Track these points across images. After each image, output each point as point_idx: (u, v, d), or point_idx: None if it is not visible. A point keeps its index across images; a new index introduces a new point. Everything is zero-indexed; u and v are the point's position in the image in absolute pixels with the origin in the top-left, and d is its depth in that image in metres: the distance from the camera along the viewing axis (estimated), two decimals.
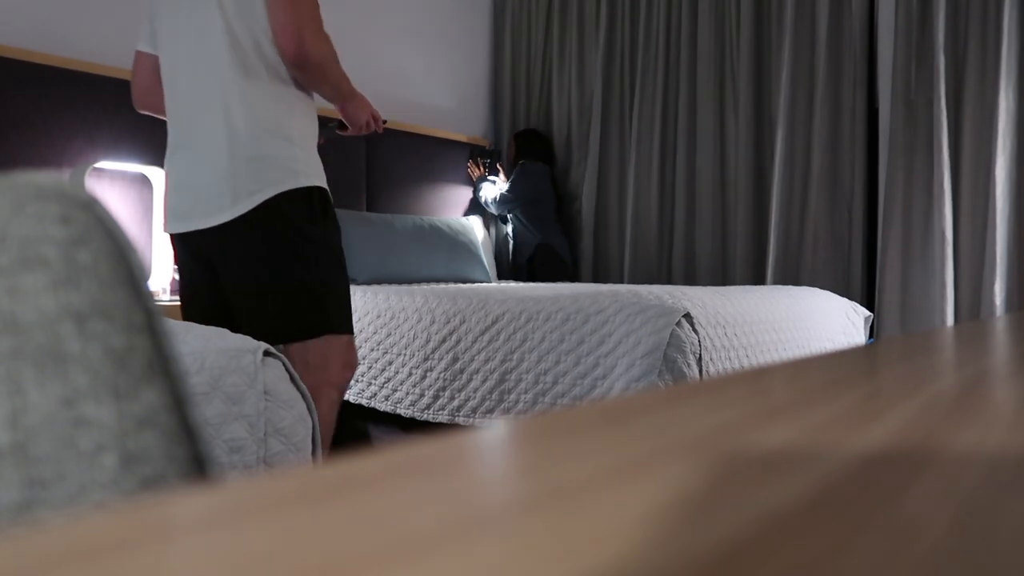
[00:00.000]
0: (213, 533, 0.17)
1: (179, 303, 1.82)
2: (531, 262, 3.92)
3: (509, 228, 4.12)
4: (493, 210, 4.03)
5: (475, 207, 4.16)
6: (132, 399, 0.40)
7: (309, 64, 1.57)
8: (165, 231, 1.75)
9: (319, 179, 1.68)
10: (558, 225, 3.98)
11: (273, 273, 1.60)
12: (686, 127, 3.80)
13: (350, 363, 1.73)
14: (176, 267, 1.79)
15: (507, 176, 4.11)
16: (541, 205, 3.89)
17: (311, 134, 1.70)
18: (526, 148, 4.02)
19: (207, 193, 1.59)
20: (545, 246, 3.85)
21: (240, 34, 1.58)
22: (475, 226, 3.81)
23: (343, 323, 1.69)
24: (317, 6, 1.59)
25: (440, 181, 3.99)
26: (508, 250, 4.17)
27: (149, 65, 1.78)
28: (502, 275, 4.30)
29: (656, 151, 3.87)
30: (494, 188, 4.03)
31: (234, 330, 1.64)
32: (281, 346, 1.67)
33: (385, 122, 1.93)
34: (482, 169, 4.09)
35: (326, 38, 1.60)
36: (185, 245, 1.69)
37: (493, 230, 4.34)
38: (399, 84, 3.89)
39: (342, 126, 1.91)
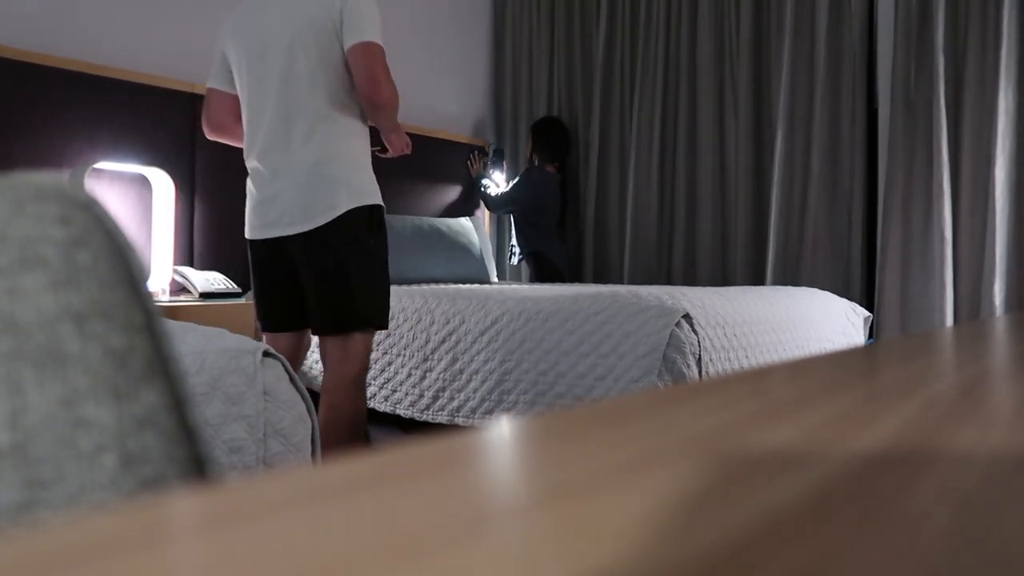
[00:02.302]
0: (213, 534, 0.17)
1: (253, 295, 2.15)
2: (521, 265, 3.92)
3: (510, 228, 4.11)
4: (491, 208, 4.01)
5: (475, 208, 4.16)
6: (132, 399, 0.40)
7: (385, 106, 1.94)
8: (249, 236, 2.07)
9: (377, 197, 2.07)
10: (557, 232, 3.92)
11: (338, 274, 1.95)
12: (686, 128, 3.80)
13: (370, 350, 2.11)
14: (253, 266, 2.10)
15: (508, 177, 4.10)
16: (541, 213, 3.82)
17: (368, 159, 2.08)
18: (542, 141, 3.94)
19: (293, 207, 1.96)
20: (537, 253, 3.83)
21: (320, 81, 1.94)
22: (474, 226, 3.81)
23: (384, 320, 2.04)
24: (385, 56, 1.97)
25: (440, 182, 3.99)
26: (506, 249, 4.17)
27: (225, 104, 2.10)
28: (502, 276, 4.30)
29: (656, 152, 3.87)
30: (494, 186, 3.99)
31: (302, 317, 2.06)
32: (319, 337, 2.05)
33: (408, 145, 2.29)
34: (480, 165, 4.05)
35: (394, 84, 1.96)
36: (267, 248, 2.03)
37: (494, 229, 4.34)
38: (399, 85, 3.88)
39: (383, 149, 2.26)
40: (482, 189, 4.00)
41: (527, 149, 4.05)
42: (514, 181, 3.91)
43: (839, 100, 3.35)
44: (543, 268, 3.81)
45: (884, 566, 0.15)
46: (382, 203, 2.08)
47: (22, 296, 0.39)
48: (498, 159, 4.15)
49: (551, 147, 3.94)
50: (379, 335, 2.57)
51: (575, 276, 4.16)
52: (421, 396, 2.44)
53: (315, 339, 2.42)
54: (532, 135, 3.99)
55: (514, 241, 3.95)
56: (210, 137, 2.19)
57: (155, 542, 0.17)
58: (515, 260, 3.97)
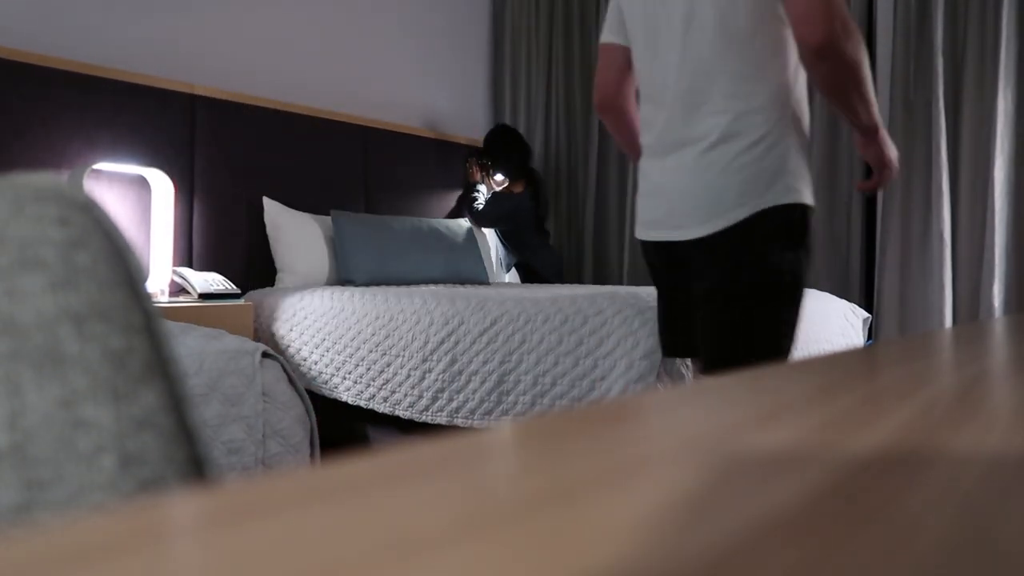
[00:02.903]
0: (211, 535, 0.17)
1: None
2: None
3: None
4: (472, 222, 3.78)
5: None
6: (131, 400, 0.40)
7: (838, 58, 1.31)
8: (639, 236, 1.62)
9: (807, 195, 1.47)
10: (540, 240, 3.80)
11: (729, 296, 1.46)
12: None
13: None
14: (654, 271, 1.67)
15: (500, 182, 4.01)
16: (519, 234, 3.73)
17: (804, 146, 1.50)
18: (504, 158, 3.72)
19: (686, 204, 1.48)
20: (521, 264, 3.81)
21: (742, 24, 1.40)
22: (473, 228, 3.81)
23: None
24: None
25: (439, 183, 3.99)
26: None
27: (620, 57, 1.63)
28: (501, 277, 4.30)
29: None
30: (482, 197, 3.83)
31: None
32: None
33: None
34: (477, 171, 3.89)
35: (859, 37, 1.33)
36: (662, 251, 1.58)
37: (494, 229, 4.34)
38: (398, 85, 3.89)
39: None
40: (472, 201, 3.83)
41: (473, 170, 3.82)
42: (487, 200, 3.76)
43: None
44: (530, 279, 3.79)
45: (883, 567, 0.15)
46: (811, 202, 1.49)
47: (21, 297, 0.39)
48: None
49: (515, 163, 3.73)
50: (378, 335, 2.57)
51: (575, 277, 4.16)
52: (420, 397, 2.45)
53: None
54: (488, 151, 3.76)
55: (500, 254, 3.90)
56: (602, 113, 1.73)
57: (154, 543, 0.17)
58: (504, 274, 3.91)
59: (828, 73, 1.34)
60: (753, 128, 1.42)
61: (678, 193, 1.48)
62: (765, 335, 1.45)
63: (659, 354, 2.03)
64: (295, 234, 3.12)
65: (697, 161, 1.46)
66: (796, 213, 1.44)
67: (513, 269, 3.90)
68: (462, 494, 0.20)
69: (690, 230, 1.47)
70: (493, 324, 2.36)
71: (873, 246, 3.29)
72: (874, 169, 1.55)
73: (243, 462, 1.76)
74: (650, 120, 1.55)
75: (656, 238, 1.55)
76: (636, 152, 1.73)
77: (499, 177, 3.88)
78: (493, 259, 3.96)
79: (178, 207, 2.92)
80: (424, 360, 2.45)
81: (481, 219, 3.75)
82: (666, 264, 1.59)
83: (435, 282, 3.31)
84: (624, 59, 1.64)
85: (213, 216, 3.04)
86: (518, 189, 3.80)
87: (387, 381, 2.53)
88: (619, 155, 4.05)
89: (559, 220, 4.25)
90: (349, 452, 0.24)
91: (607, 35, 1.66)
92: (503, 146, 3.76)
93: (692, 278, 1.53)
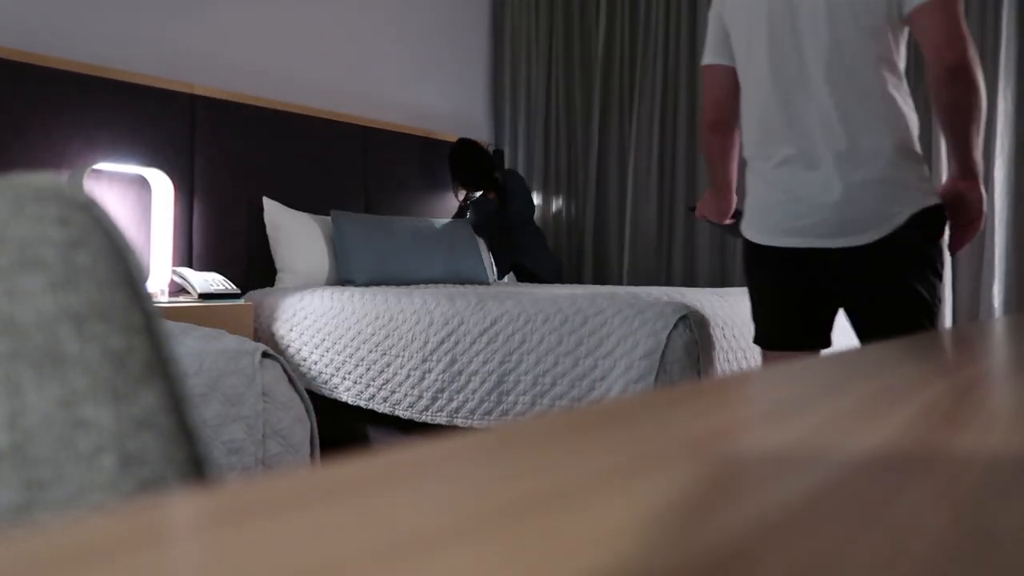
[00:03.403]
0: (211, 535, 0.17)
1: (757, 307, 1.76)
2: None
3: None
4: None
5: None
6: (131, 400, 0.40)
7: (971, 81, 1.44)
8: (761, 241, 1.67)
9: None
10: (532, 239, 3.79)
11: (898, 299, 1.56)
12: (685, 128, 3.81)
13: None
14: (762, 273, 1.72)
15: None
16: (489, 240, 3.75)
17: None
18: (464, 175, 3.74)
19: (839, 212, 1.54)
20: (516, 266, 3.80)
21: (866, 45, 1.51)
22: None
23: None
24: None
25: (439, 183, 3.98)
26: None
27: (729, 78, 1.72)
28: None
29: (655, 152, 3.87)
30: (468, 210, 3.84)
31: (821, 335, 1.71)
32: None
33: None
34: (456, 191, 3.90)
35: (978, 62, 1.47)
36: (794, 256, 1.63)
37: None
38: (397, 85, 3.89)
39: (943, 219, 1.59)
40: (463, 213, 3.84)
41: (454, 186, 3.86)
42: (471, 212, 3.78)
43: None
44: (526, 280, 3.79)
45: (883, 567, 0.15)
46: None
47: (21, 297, 0.39)
48: (498, 161, 4.14)
49: (475, 177, 3.74)
50: (378, 335, 2.57)
51: (575, 277, 4.16)
52: (420, 397, 2.44)
53: None
54: (450, 170, 3.80)
55: (490, 260, 3.88)
56: (711, 132, 1.83)
57: (154, 543, 0.17)
58: (503, 277, 3.88)
59: (960, 95, 1.45)
60: (892, 145, 1.52)
61: (832, 203, 1.55)
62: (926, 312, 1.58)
63: (659, 354, 2.04)
64: (295, 234, 3.12)
65: (853, 173, 1.53)
66: (936, 213, 1.57)
67: (512, 271, 3.89)
68: (462, 494, 0.20)
69: (851, 238, 1.54)
70: (493, 324, 2.36)
71: None
72: (962, 219, 1.60)
73: (243, 462, 1.76)
74: (782, 133, 1.61)
75: (800, 245, 1.60)
76: (727, 174, 1.89)
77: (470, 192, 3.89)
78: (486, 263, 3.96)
79: (178, 207, 2.92)
80: (424, 360, 2.45)
81: (474, 230, 3.76)
82: (797, 267, 1.63)
83: (435, 282, 3.31)
84: (732, 79, 1.72)
85: (213, 216, 3.04)
86: (491, 195, 3.80)
87: (387, 381, 2.53)
88: (619, 155, 4.05)
89: (559, 220, 4.25)
90: (349, 452, 0.24)
91: (714, 57, 1.73)
92: (460, 163, 3.77)
93: (841, 280, 1.60)
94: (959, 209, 1.59)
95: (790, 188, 1.61)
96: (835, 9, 1.51)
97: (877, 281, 1.56)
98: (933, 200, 1.54)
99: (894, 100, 1.52)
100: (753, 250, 1.71)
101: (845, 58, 1.52)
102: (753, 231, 1.69)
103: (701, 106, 3.71)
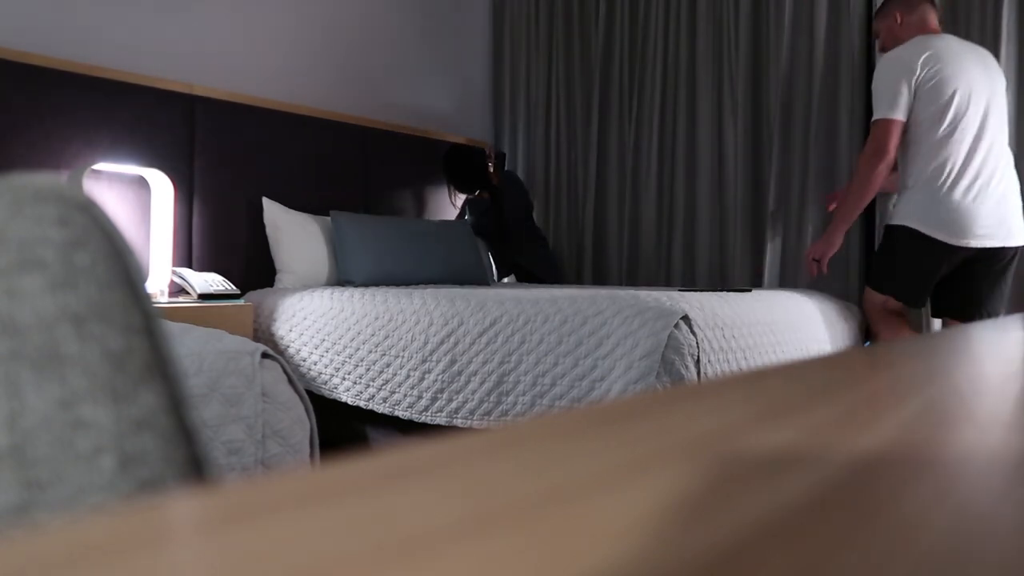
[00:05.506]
0: (211, 536, 0.17)
1: (912, 289, 2.60)
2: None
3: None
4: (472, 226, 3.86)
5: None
6: (130, 401, 0.40)
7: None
8: (957, 243, 2.44)
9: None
10: (530, 238, 3.81)
11: None
12: (685, 129, 3.81)
13: None
14: (924, 262, 2.51)
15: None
16: (486, 241, 3.77)
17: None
18: (457, 181, 3.79)
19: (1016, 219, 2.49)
20: (515, 265, 3.81)
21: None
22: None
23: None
24: None
25: (439, 183, 3.98)
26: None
27: (902, 131, 2.53)
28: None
29: (655, 152, 3.88)
30: (466, 213, 3.86)
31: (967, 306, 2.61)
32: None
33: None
34: (452, 196, 3.95)
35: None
36: (954, 254, 2.47)
37: None
38: (397, 85, 3.89)
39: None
40: (463, 216, 3.86)
41: (450, 192, 3.92)
42: (468, 213, 3.82)
43: (838, 100, 3.35)
44: (525, 279, 3.79)
45: (883, 567, 0.15)
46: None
47: (20, 297, 0.39)
48: (499, 162, 4.14)
49: (468, 179, 3.78)
50: (378, 335, 2.57)
51: (575, 277, 4.16)
52: (420, 398, 2.44)
53: None
54: (445, 176, 3.86)
55: (490, 261, 3.87)
56: (877, 177, 2.54)
57: (154, 543, 0.17)
58: (503, 278, 3.89)
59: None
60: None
61: (1008, 209, 2.49)
62: None
63: (658, 354, 2.04)
64: (295, 234, 3.12)
65: (1013, 187, 2.53)
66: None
67: (512, 272, 3.90)
68: (462, 494, 0.20)
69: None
70: (493, 324, 2.36)
71: (872, 247, 3.29)
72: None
73: (243, 462, 1.76)
74: (957, 154, 2.48)
75: (988, 244, 2.46)
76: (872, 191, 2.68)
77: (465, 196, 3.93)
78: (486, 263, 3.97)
79: (178, 207, 2.92)
80: (424, 360, 2.45)
81: (473, 231, 3.77)
82: (976, 259, 2.50)
83: (435, 282, 3.31)
84: (902, 131, 2.53)
85: (213, 216, 3.04)
86: (485, 195, 3.82)
87: (387, 381, 2.53)
88: (619, 155, 4.05)
89: (559, 220, 4.25)
90: (349, 452, 0.24)
91: (904, 114, 2.50)
92: (451, 170, 3.81)
93: (998, 265, 2.53)
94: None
95: (980, 199, 2.59)
96: (994, 99, 2.60)
97: None
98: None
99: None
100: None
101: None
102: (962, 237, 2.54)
103: (699, 106, 3.72)
